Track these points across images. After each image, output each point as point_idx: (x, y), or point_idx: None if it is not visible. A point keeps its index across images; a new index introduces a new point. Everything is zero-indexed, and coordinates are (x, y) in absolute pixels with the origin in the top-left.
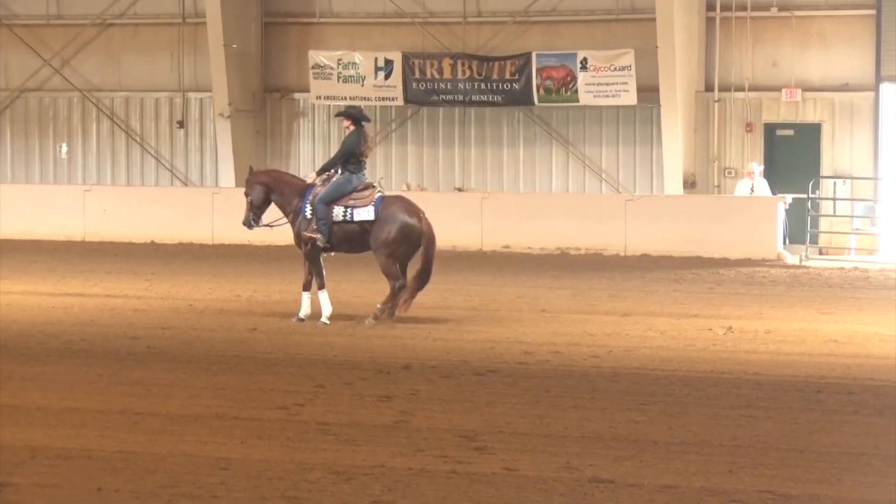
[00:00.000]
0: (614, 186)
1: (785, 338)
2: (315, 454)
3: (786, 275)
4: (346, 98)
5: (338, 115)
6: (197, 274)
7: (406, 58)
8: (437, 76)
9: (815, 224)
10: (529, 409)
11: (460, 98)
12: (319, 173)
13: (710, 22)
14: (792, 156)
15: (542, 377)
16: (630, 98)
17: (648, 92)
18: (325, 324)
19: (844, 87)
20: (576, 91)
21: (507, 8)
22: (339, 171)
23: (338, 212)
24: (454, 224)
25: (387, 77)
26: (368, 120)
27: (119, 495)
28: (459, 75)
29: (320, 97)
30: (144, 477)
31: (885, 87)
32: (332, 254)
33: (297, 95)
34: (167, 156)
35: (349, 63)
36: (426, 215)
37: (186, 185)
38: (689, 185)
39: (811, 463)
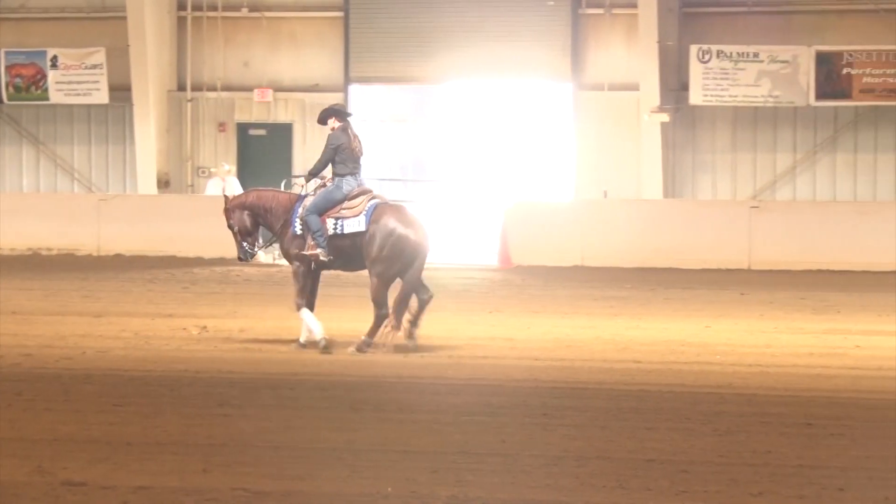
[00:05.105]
0: (87, 186)
1: (258, 336)
2: None
3: (259, 273)
4: None
5: (321, 119)
6: None
7: None
8: None
9: None
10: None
11: None
12: (308, 179)
13: (181, 21)
14: (265, 155)
15: (13, 381)
16: (102, 97)
17: (121, 91)
18: (303, 345)
19: (315, 88)
20: (46, 89)
21: None
22: (331, 177)
23: (329, 224)
24: None
25: None
26: (351, 114)
27: None
28: None
29: None
30: None
31: (354, 88)
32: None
33: None
34: None
35: None
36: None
37: None
38: (163, 184)
39: (285, 460)
